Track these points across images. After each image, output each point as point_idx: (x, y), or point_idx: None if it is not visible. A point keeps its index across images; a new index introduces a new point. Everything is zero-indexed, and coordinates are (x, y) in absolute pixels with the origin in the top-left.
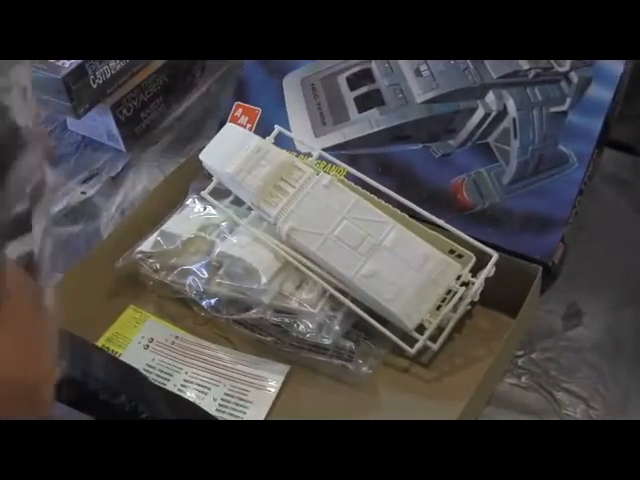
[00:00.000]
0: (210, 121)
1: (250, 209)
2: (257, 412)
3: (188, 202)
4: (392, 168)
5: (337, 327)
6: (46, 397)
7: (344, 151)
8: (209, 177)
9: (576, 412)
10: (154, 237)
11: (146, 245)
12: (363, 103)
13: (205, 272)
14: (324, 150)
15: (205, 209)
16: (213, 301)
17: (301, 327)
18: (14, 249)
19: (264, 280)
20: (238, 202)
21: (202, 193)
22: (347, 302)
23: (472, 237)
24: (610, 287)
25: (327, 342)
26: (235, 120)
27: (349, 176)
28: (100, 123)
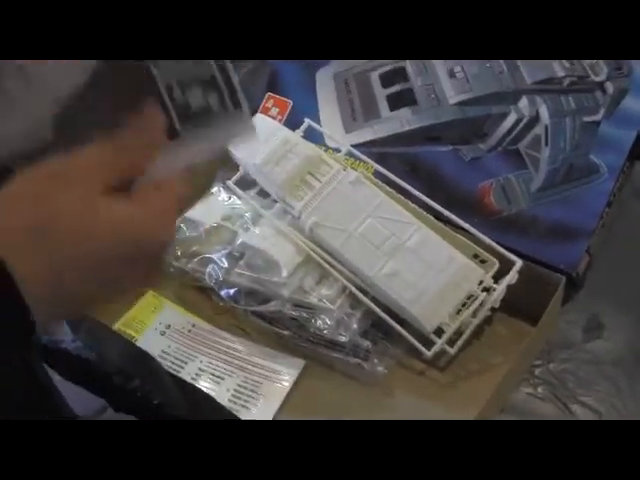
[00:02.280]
0: None
1: (275, 201)
2: (269, 405)
3: (213, 190)
4: (420, 169)
5: (355, 325)
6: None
7: (373, 148)
8: (236, 167)
9: None
10: (177, 223)
11: None
12: (395, 101)
13: (226, 262)
14: (353, 146)
15: (230, 198)
16: (232, 291)
17: (319, 323)
18: None
19: (285, 273)
20: (263, 194)
21: (228, 182)
22: (366, 300)
23: (496, 243)
24: (634, 302)
25: (344, 339)
26: (266, 111)
27: (376, 174)
28: None
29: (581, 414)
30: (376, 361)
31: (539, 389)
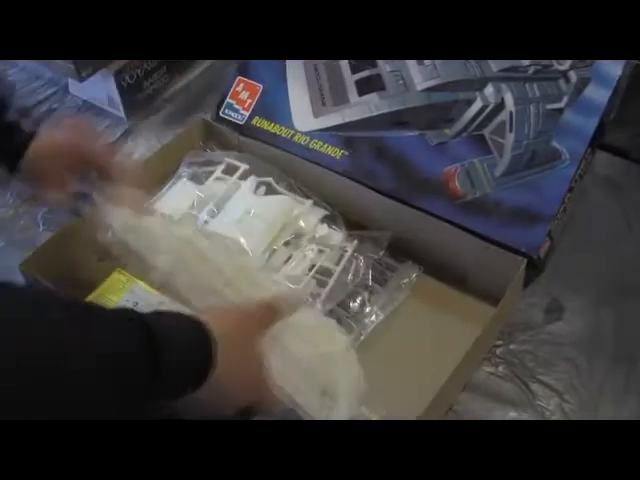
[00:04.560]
0: (211, 96)
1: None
2: None
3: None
4: (387, 153)
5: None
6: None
7: (342, 132)
8: (204, 149)
9: (549, 404)
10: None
11: None
12: (364, 87)
13: None
14: (322, 131)
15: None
16: None
17: None
18: None
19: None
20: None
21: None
22: None
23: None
24: (593, 285)
25: None
26: (236, 95)
27: (344, 159)
28: (102, 88)
29: (540, 393)
30: None
31: (500, 368)
